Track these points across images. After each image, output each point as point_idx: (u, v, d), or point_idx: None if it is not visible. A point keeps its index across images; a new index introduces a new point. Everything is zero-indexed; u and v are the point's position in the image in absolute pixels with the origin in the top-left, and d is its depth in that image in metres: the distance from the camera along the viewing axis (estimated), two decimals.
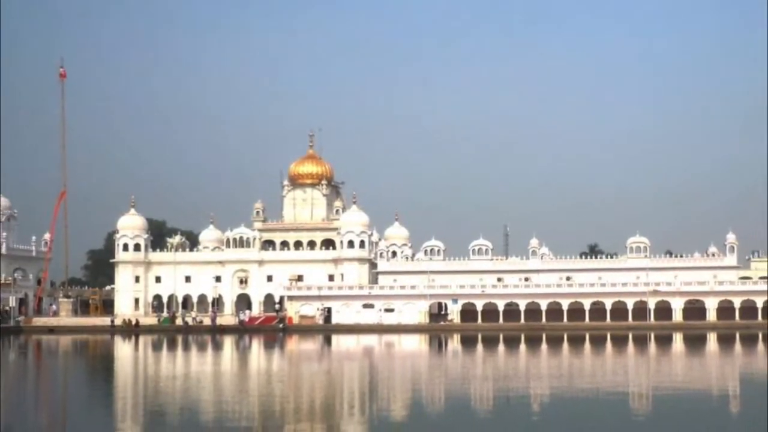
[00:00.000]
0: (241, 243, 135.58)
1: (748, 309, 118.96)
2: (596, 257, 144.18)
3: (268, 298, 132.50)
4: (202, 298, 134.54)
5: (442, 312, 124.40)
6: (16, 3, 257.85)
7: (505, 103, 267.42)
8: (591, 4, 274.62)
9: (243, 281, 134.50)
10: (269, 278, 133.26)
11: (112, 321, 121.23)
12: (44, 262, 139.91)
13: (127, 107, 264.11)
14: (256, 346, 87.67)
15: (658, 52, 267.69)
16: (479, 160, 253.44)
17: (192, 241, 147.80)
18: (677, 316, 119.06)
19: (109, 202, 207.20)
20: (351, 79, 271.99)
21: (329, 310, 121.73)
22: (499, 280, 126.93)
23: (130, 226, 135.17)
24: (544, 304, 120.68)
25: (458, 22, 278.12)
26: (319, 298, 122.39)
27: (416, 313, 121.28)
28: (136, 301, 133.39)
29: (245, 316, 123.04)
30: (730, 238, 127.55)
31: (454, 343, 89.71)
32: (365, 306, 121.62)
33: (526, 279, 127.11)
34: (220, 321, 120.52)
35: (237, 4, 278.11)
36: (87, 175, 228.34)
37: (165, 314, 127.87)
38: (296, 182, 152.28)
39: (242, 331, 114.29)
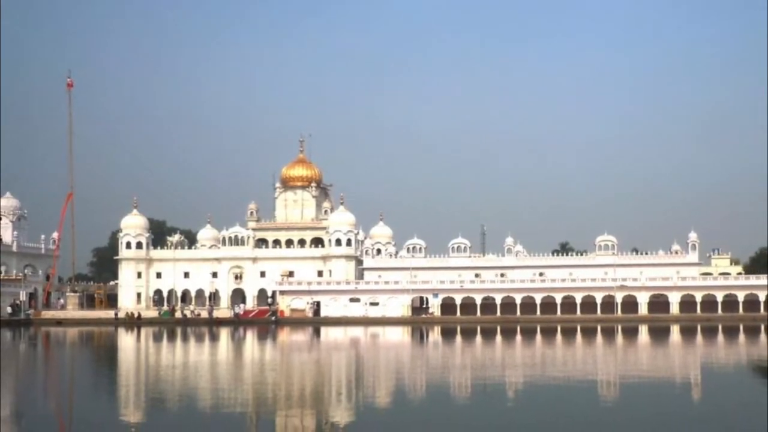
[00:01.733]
0: (236, 241, 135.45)
1: (709, 303, 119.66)
2: (567, 254, 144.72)
3: (262, 292, 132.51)
4: (199, 293, 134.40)
5: (424, 305, 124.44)
6: (27, 19, 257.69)
7: (483, 111, 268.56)
8: (563, 22, 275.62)
9: (238, 277, 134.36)
10: (262, 274, 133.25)
11: (116, 314, 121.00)
12: (53, 259, 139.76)
13: (130, 115, 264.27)
14: (250, 338, 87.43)
15: (624, 64, 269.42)
16: (459, 165, 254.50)
17: (190, 240, 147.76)
18: (643, 310, 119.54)
19: (113, 203, 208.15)
20: (339, 88, 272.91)
21: (318, 303, 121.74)
22: (476, 275, 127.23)
23: (133, 225, 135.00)
24: (518, 298, 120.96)
25: (440, 36, 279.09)
26: (309, 292, 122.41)
27: (399, 306, 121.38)
28: (138, 295, 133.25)
29: (240, 309, 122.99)
30: (692, 236, 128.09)
31: (435, 335, 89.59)
32: (352, 300, 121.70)
33: (502, 275, 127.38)
34: (216, 314, 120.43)
35: (232, 19, 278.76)
36: (92, 177, 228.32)
37: (165, 308, 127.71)
38: (287, 184, 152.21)
39: (237, 323, 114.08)
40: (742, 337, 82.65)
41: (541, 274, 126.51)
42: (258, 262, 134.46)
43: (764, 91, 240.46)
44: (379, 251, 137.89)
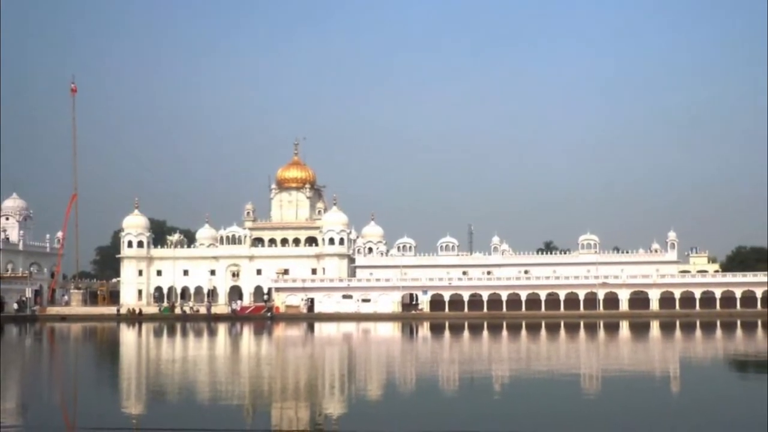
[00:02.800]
0: (234, 240, 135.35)
1: (687, 299, 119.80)
2: (551, 253, 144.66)
3: (258, 289, 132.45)
4: (198, 290, 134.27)
5: (413, 302, 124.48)
6: (33, 27, 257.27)
7: (471, 115, 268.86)
8: (548, 25, 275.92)
9: (235, 274, 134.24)
10: (258, 272, 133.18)
11: (118, 310, 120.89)
12: (57, 257, 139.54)
13: (132, 119, 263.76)
14: (247, 333, 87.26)
15: (606, 68, 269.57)
16: (447, 166, 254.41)
17: (189, 239, 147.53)
18: (624, 306, 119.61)
19: (115, 203, 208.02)
20: (333, 94, 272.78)
21: (312, 300, 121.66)
22: (464, 273, 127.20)
23: (134, 225, 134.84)
24: (504, 295, 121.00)
25: (429, 41, 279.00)
26: (303, 289, 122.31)
27: (390, 303, 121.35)
28: (140, 292, 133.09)
29: (237, 305, 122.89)
30: (671, 236, 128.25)
31: (424, 330, 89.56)
32: (344, 297, 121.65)
33: (489, 272, 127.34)
34: (214, 310, 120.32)
35: (231, 27, 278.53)
36: (95, 179, 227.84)
37: (165, 304, 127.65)
38: (283, 186, 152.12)
39: (234, 319, 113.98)
40: (719, 332, 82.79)
41: (526, 272, 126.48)
42: (254, 261, 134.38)
43: (742, 95, 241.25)
44: (370, 250, 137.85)
